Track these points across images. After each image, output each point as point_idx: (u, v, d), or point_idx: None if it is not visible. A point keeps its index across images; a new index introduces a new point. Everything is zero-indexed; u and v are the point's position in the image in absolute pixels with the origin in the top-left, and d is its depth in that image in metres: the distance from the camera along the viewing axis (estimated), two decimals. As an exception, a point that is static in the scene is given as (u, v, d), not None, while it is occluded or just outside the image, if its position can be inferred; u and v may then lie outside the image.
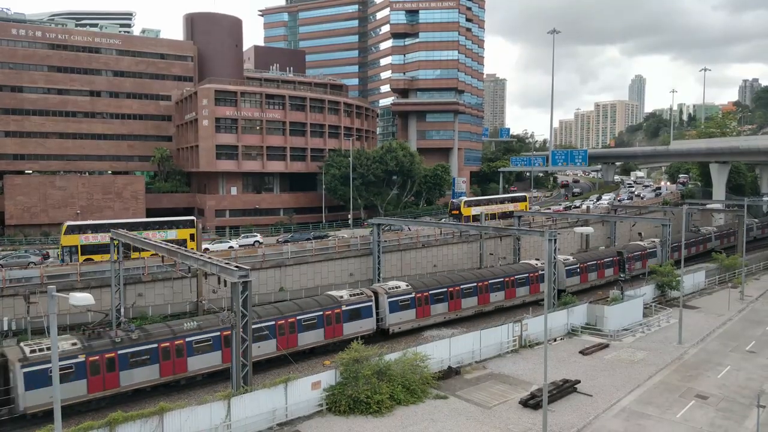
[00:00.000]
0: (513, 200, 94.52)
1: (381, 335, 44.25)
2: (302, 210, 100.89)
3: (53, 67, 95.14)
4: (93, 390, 30.71)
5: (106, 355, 31.07)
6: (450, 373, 34.73)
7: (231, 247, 62.70)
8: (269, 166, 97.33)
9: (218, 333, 34.61)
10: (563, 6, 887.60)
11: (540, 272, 54.85)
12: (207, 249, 59.59)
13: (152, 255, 50.72)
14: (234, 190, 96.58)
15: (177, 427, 24.90)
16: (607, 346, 40.85)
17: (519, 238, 68.05)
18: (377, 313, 43.73)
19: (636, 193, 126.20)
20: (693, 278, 60.30)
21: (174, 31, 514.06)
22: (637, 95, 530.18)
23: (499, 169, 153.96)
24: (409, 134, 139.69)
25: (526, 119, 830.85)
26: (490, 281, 51.35)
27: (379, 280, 57.87)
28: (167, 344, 33.27)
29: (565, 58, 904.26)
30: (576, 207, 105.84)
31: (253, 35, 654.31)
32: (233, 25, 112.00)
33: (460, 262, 67.70)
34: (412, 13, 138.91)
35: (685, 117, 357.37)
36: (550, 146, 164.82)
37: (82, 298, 16.87)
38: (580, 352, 39.38)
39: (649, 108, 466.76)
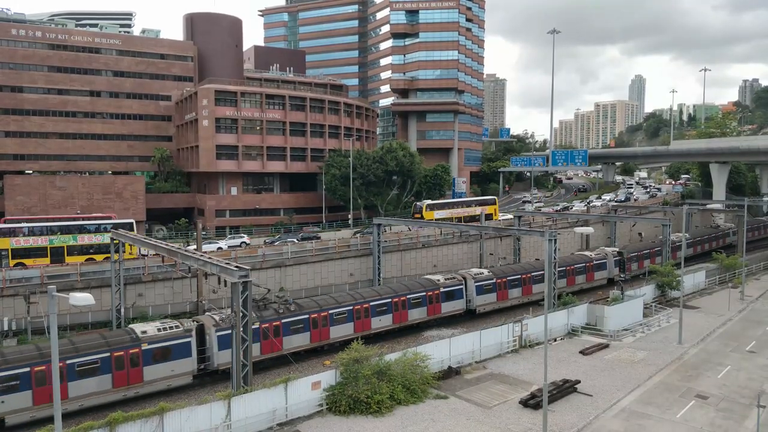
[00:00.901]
0: (481, 203, 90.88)
1: (468, 315, 50.04)
2: (302, 210, 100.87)
3: (53, 67, 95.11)
4: (264, 351, 36.83)
5: (273, 323, 37.35)
6: (450, 373, 34.71)
7: (220, 248, 62.45)
8: (269, 166, 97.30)
9: (350, 307, 42.00)
10: (563, 6, 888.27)
11: (594, 262, 61.31)
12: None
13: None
14: (234, 190, 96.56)
15: (177, 427, 24.89)
16: (607, 346, 40.84)
17: (519, 238, 67.99)
18: (466, 295, 49.48)
19: (632, 193, 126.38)
20: (693, 278, 60.30)
21: (174, 31, 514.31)
22: (637, 95, 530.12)
23: (499, 170, 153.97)
24: (409, 134, 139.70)
25: (527, 119, 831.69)
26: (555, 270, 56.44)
27: (379, 281, 57.89)
28: (315, 315, 39.77)
29: (565, 58, 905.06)
30: (571, 207, 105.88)
31: (253, 35, 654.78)
32: (233, 25, 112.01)
33: (461, 262, 67.63)
34: (412, 13, 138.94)
35: (685, 117, 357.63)
36: (550, 146, 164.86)
37: (82, 298, 16.83)
38: (580, 352, 39.36)
39: (649, 108, 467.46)
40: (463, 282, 49.49)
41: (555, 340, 41.89)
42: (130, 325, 34.62)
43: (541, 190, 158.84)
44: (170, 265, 46.11)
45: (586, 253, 63.93)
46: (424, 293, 46.43)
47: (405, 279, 58.93)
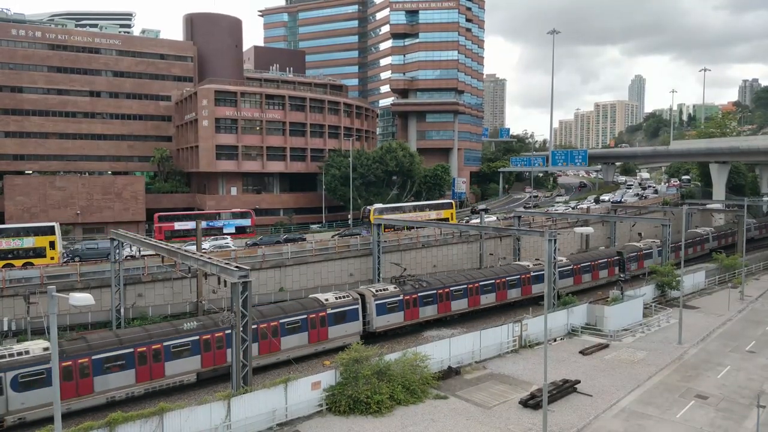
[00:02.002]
0: (436, 208, 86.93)
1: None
2: (302, 210, 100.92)
3: (53, 67, 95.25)
4: (407, 319, 44.29)
5: (412, 296, 44.85)
6: (450, 373, 34.69)
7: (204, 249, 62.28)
8: (269, 167, 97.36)
9: (465, 285, 48.68)
10: (564, 6, 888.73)
11: (644, 251, 69.12)
12: None
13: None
14: (234, 191, 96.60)
15: (177, 428, 24.87)
16: (607, 346, 40.83)
17: (519, 239, 67.95)
18: None
19: (622, 194, 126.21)
20: (693, 278, 60.28)
21: (174, 31, 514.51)
22: (637, 95, 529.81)
23: (499, 170, 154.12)
24: (409, 134, 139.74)
25: (527, 119, 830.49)
26: (616, 258, 64.97)
27: (379, 280, 57.83)
28: (441, 291, 46.78)
29: (565, 58, 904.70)
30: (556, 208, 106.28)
31: (253, 35, 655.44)
32: (233, 26, 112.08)
33: (460, 262, 67.66)
34: (412, 13, 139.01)
35: (685, 117, 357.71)
36: (550, 146, 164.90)
37: (82, 299, 16.84)
38: (580, 352, 39.34)
39: (649, 108, 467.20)
40: None
41: (555, 340, 41.89)
42: (313, 295, 42.15)
43: (540, 190, 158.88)
44: (170, 265, 46.09)
45: (636, 243, 72.62)
46: (519, 276, 53.04)
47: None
